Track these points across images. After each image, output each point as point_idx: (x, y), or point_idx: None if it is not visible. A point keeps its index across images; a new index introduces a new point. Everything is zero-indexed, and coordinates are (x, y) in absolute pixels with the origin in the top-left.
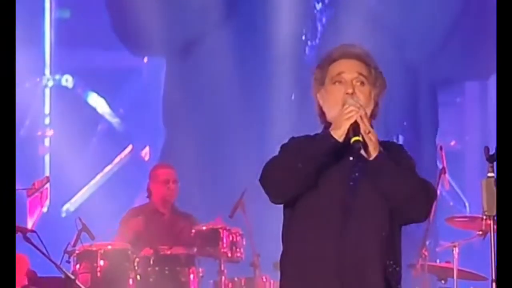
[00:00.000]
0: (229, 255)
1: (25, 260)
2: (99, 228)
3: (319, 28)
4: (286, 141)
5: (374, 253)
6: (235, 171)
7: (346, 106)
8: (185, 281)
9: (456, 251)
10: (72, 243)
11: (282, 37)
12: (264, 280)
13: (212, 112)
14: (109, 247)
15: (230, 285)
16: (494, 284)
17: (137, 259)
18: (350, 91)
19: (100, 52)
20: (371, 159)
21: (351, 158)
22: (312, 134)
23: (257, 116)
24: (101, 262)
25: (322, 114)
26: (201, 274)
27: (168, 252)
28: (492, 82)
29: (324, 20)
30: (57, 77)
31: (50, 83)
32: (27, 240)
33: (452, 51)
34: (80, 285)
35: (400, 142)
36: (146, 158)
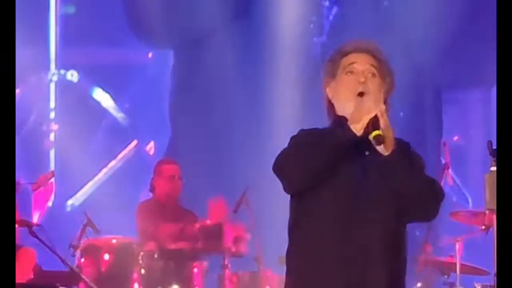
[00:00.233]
0: (233, 249)
1: (33, 253)
2: (104, 223)
3: (326, 25)
4: (292, 135)
5: (380, 248)
6: (240, 165)
7: (366, 100)
8: (189, 275)
9: (459, 245)
10: (77, 237)
11: (289, 33)
12: (268, 274)
13: (217, 107)
14: (114, 241)
15: (234, 279)
16: (496, 279)
17: (141, 253)
18: (362, 79)
19: (105, 47)
20: (386, 154)
21: (367, 153)
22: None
23: (263, 112)
24: (106, 256)
25: (331, 108)
26: (205, 268)
27: (173, 247)
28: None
29: (331, 17)
30: (62, 72)
31: (55, 78)
32: (33, 234)
33: (458, 54)
34: (85, 278)
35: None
36: (151, 153)
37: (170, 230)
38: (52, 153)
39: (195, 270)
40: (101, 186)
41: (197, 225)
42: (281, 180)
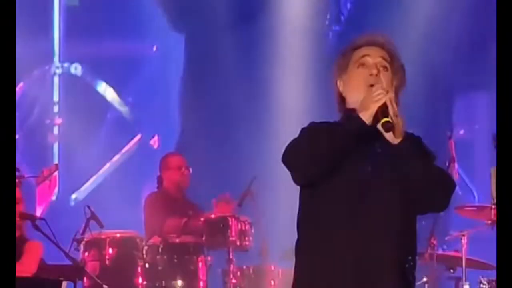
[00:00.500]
0: (238, 243)
1: (40, 247)
2: (108, 216)
3: (344, 14)
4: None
5: (390, 240)
6: (246, 159)
7: (375, 89)
8: (193, 269)
9: (464, 240)
10: (80, 231)
11: (306, 22)
12: (273, 268)
13: (227, 97)
14: (118, 235)
15: (238, 273)
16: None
17: (145, 247)
18: (374, 72)
19: (109, 40)
20: (396, 143)
21: (379, 150)
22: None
23: (277, 103)
24: (110, 250)
25: (342, 101)
26: (209, 262)
27: (177, 241)
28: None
29: (348, 5)
30: (66, 65)
31: (59, 71)
32: (36, 227)
33: (469, 53)
34: (89, 273)
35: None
36: (155, 147)
37: (175, 223)
38: (56, 147)
39: (200, 264)
40: (105, 180)
41: (202, 219)
42: (290, 171)
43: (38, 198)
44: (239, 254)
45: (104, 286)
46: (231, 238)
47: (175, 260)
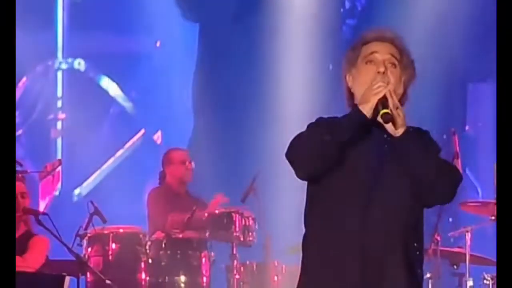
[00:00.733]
0: (242, 239)
1: (46, 242)
2: (111, 212)
3: (358, 8)
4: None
5: (397, 234)
6: (252, 154)
7: (375, 82)
8: (197, 265)
9: (468, 236)
10: (83, 226)
11: (320, 16)
12: (276, 264)
13: (242, 87)
14: (121, 230)
15: (242, 269)
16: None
17: (148, 243)
18: (382, 69)
19: (112, 35)
20: (397, 135)
21: (385, 136)
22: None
23: (285, 98)
24: (113, 246)
25: (350, 96)
26: (213, 258)
27: (180, 236)
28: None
29: (363, 0)
30: (69, 60)
31: (63, 67)
32: (39, 223)
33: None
34: (92, 268)
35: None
36: (159, 142)
37: (178, 218)
38: (59, 142)
39: (203, 260)
40: (108, 175)
41: (205, 214)
42: (292, 166)
43: (41, 193)
44: (243, 250)
45: (107, 281)
46: (234, 234)
47: (178, 256)
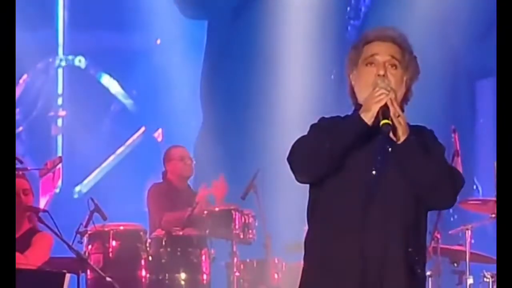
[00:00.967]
0: (241, 236)
1: (50, 238)
2: (111, 209)
3: (362, 9)
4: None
5: (398, 234)
6: (253, 151)
7: (377, 89)
8: (197, 262)
9: (468, 234)
10: (84, 223)
11: (325, 16)
12: (276, 261)
13: (245, 85)
14: (121, 227)
15: (242, 266)
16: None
17: (149, 240)
18: (381, 72)
19: (113, 33)
20: (399, 142)
21: (389, 149)
22: (348, 114)
23: (292, 94)
24: (113, 243)
25: (354, 94)
26: (213, 255)
27: (180, 233)
28: None
29: (367, 1)
30: (70, 57)
31: (63, 64)
32: (40, 220)
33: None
34: (92, 265)
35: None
36: (159, 140)
37: (179, 214)
38: (59, 139)
39: (203, 257)
40: (109, 173)
41: (205, 212)
42: (292, 171)
43: (42, 191)
44: (243, 247)
45: (108, 278)
46: (234, 231)
47: (179, 253)
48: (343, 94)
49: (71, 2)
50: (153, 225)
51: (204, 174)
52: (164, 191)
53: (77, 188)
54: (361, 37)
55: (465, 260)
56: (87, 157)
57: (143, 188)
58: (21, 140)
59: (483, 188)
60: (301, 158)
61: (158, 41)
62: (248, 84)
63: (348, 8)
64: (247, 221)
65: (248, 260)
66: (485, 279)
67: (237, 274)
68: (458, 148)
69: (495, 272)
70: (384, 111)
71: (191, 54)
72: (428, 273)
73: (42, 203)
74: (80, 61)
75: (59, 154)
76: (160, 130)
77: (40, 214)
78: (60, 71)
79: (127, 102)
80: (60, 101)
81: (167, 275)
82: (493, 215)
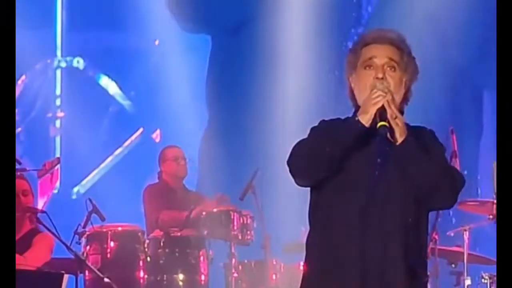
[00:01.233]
0: (240, 237)
1: (51, 238)
2: (109, 210)
3: (365, 16)
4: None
5: (398, 235)
6: (252, 152)
7: (374, 91)
8: (195, 263)
9: (466, 235)
10: (82, 224)
11: (327, 24)
12: (274, 262)
13: (245, 87)
14: (119, 228)
15: (240, 267)
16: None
17: (147, 241)
18: (380, 75)
19: (111, 34)
20: (397, 144)
21: (378, 144)
22: (349, 116)
23: (295, 96)
24: (111, 244)
25: (354, 97)
26: (211, 256)
27: (179, 234)
28: None
29: (369, 8)
30: (68, 58)
31: (62, 65)
32: (38, 221)
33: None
34: (91, 266)
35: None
36: (157, 141)
37: (172, 216)
38: (58, 140)
39: (201, 258)
40: (107, 174)
41: (204, 213)
42: (290, 173)
43: (40, 191)
44: (241, 248)
45: (106, 279)
46: (233, 232)
47: (177, 254)
48: (343, 96)
49: (69, 3)
50: (149, 225)
51: (206, 175)
52: (159, 191)
53: (75, 189)
54: (358, 40)
55: (463, 261)
56: (85, 158)
57: (141, 189)
58: (20, 141)
59: (483, 189)
60: (300, 162)
61: (157, 42)
62: (248, 85)
63: (353, 15)
64: (245, 222)
65: (246, 261)
66: (483, 280)
67: (235, 275)
68: (456, 149)
69: (493, 273)
70: (381, 113)
71: (189, 55)
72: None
73: (40, 204)
74: (79, 62)
75: (57, 155)
76: (158, 131)
77: (38, 215)
78: (58, 72)
79: (125, 103)
80: (58, 102)
81: (165, 276)
82: (491, 216)
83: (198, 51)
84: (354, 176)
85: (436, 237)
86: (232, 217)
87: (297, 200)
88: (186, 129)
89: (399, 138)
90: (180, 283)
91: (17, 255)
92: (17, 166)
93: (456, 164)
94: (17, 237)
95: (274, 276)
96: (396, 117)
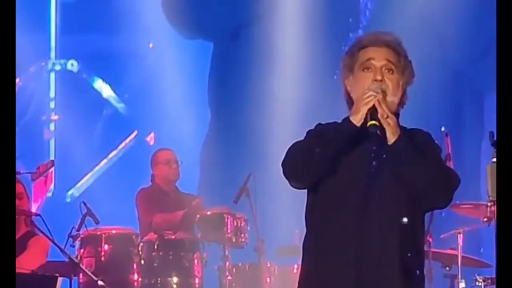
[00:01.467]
0: (234, 240)
1: (46, 242)
2: (103, 213)
3: (362, 21)
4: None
5: (393, 239)
6: (246, 155)
7: (365, 91)
8: (189, 266)
9: (460, 238)
10: (76, 227)
11: (325, 28)
12: (269, 265)
13: (251, 94)
14: (114, 231)
15: (234, 270)
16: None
17: (141, 244)
18: (379, 78)
19: (105, 37)
20: (390, 143)
21: (371, 144)
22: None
23: (290, 101)
24: (106, 247)
25: (350, 100)
26: (205, 259)
27: (173, 237)
28: None
29: (367, 13)
30: (62, 61)
31: (56, 68)
32: (32, 223)
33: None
34: (85, 269)
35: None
36: (151, 144)
37: (166, 218)
38: (52, 143)
39: (195, 261)
40: (101, 177)
41: (198, 216)
42: (284, 176)
43: (34, 194)
44: (235, 251)
45: (100, 282)
46: (227, 235)
47: (171, 257)
48: (342, 99)
49: (63, 6)
50: (143, 229)
51: (206, 177)
52: (152, 194)
53: (70, 192)
54: (355, 43)
55: (457, 264)
56: (80, 161)
57: (135, 192)
58: None
59: (484, 192)
60: (293, 164)
61: (151, 45)
62: (247, 88)
63: (351, 20)
64: (239, 225)
65: (240, 264)
66: (477, 283)
67: (229, 278)
68: (450, 151)
69: (487, 276)
70: (372, 113)
71: (183, 58)
72: None
73: (35, 207)
74: (73, 65)
75: (52, 158)
76: (152, 134)
77: (33, 218)
78: (52, 75)
79: (120, 106)
80: (52, 105)
81: (159, 279)
82: (485, 219)
83: (192, 54)
84: (348, 177)
85: (430, 240)
86: (226, 220)
87: (291, 203)
88: (180, 132)
89: (391, 138)
90: (174, 286)
91: None
92: None
93: (450, 166)
94: None
95: (268, 279)
96: (387, 117)
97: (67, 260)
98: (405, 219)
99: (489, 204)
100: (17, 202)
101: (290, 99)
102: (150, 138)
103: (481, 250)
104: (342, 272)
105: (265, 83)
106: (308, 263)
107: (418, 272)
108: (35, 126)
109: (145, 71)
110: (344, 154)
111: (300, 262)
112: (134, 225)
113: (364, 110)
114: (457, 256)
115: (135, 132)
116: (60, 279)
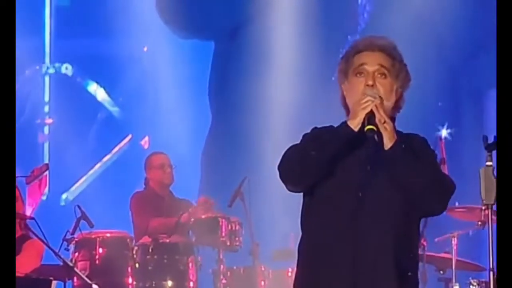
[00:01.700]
0: (228, 243)
1: (40, 246)
2: (98, 216)
3: (361, 23)
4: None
5: (389, 243)
6: (241, 158)
7: (363, 96)
8: (183, 269)
9: (454, 241)
10: (71, 230)
11: (322, 31)
12: (263, 269)
13: (247, 97)
14: (108, 235)
15: (228, 273)
16: (492, 274)
17: (135, 247)
18: (370, 82)
19: (100, 40)
20: (387, 148)
21: (368, 149)
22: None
23: (286, 104)
24: (100, 250)
25: (346, 104)
26: (199, 263)
27: (167, 241)
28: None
29: (365, 15)
30: (56, 65)
31: (50, 71)
32: (26, 227)
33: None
34: (79, 272)
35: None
36: (146, 147)
37: (161, 222)
38: (46, 147)
39: (190, 264)
40: (96, 180)
41: (192, 219)
42: (282, 181)
43: (28, 198)
44: (229, 255)
45: (94, 285)
46: (221, 239)
47: (165, 260)
48: (339, 103)
49: (58, 10)
50: (137, 232)
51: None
52: (146, 198)
53: (64, 196)
54: (350, 47)
55: (451, 267)
56: (74, 164)
57: (129, 196)
58: None
59: (469, 195)
60: (289, 167)
61: (145, 49)
62: (246, 89)
63: (349, 22)
64: (234, 228)
65: (235, 268)
66: (471, 286)
67: (224, 281)
68: (444, 156)
69: (481, 279)
70: (369, 118)
71: (178, 62)
72: None
73: (29, 211)
74: (67, 69)
75: (46, 161)
76: (146, 138)
77: (27, 221)
78: (47, 78)
79: (114, 109)
80: (47, 108)
81: (154, 282)
82: (480, 223)
83: (186, 57)
84: (345, 181)
85: (425, 243)
86: (220, 223)
87: (285, 206)
88: (175, 136)
89: (388, 143)
90: None
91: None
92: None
93: (445, 171)
94: None
95: (262, 283)
96: (384, 122)
97: (61, 263)
98: (400, 223)
99: (483, 207)
100: None
101: (286, 103)
102: (145, 142)
103: (475, 253)
104: (338, 275)
105: (262, 86)
106: (304, 266)
107: (412, 275)
108: (29, 130)
109: (140, 75)
110: (341, 158)
111: (294, 266)
112: (128, 228)
113: (362, 115)
114: (451, 259)
115: (130, 136)
116: (54, 283)
